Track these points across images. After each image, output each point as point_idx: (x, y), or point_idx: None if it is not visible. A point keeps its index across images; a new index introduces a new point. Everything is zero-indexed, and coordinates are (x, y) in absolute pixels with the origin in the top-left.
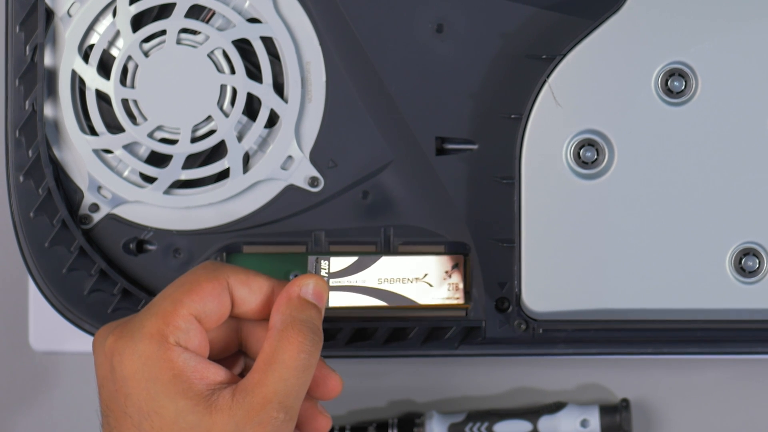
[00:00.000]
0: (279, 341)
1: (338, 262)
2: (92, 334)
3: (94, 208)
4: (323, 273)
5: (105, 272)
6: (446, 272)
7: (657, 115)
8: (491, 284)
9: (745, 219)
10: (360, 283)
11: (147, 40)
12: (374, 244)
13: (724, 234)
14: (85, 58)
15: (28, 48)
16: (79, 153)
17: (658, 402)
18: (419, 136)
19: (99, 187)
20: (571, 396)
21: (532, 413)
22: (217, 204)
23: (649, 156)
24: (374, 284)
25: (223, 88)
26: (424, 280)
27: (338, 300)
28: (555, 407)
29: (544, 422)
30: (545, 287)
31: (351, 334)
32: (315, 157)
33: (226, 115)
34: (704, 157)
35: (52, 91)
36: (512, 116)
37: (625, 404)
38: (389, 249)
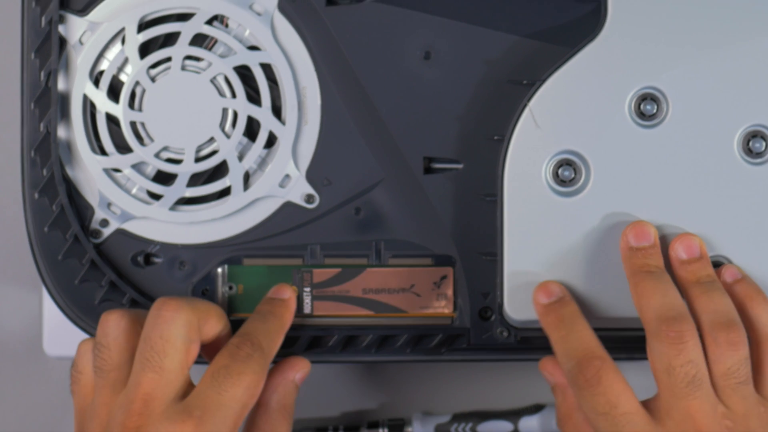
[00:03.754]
0: (276, 420)
1: (322, 274)
2: None
3: (104, 223)
4: (306, 286)
5: (114, 283)
6: (434, 283)
7: (630, 136)
8: (475, 294)
9: (713, 233)
10: (350, 294)
11: (154, 66)
12: (366, 256)
13: None
14: (96, 83)
15: (42, 74)
16: (90, 172)
17: None
18: (408, 155)
19: (109, 204)
20: (550, 398)
21: (513, 414)
22: (219, 219)
23: (624, 175)
24: (361, 294)
25: (224, 111)
26: (412, 290)
27: (330, 309)
28: (534, 408)
29: (524, 422)
30: (525, 297)
31: (343, 340)
32: (311, 176)
33: (228, 136)
34: (674, 175)
35: (65, 114)
36: (495, 137)
37: None
38: (380, 261)
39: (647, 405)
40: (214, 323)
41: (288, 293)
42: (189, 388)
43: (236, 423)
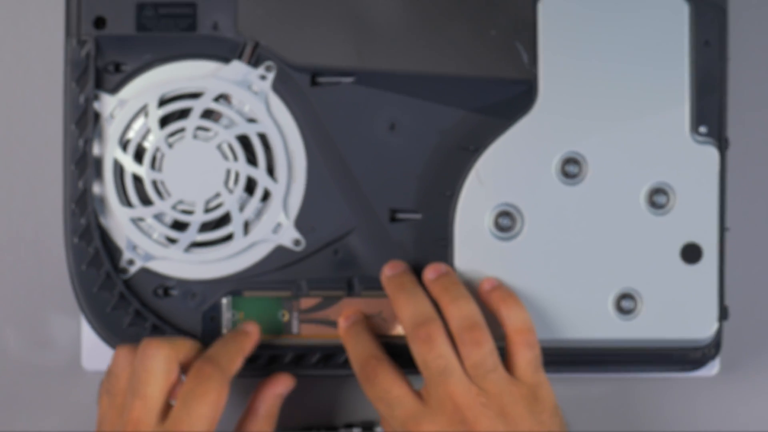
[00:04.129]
0: (262, 425)
1: (307, 302)
2: None
3: (131, 262)
4: (294, 311)
5: (139, 311)
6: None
7: (557, 192)
8: None
9: (623, 270)
10: (330, 318)
11: (171, 135)
12: (343, 289)
13: (607, 282)
14: (124, 148)
15: (80, 141)
16: (120, 221)
17: None
18: (376, 207)
19: (134, 247)
20: None
21: None
22: (224, 259)
23: (552, 223)
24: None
25: (228, 171)
26: (380, 316)
27: (313, 331)
28: None
29: None
30: None
31: (323, 357)
32: (298, 224)
33: (231, 192)
34: (592, 223)
35: (99, 173)
36: (447, 193)
37: None
38: (354, 293)
39: (419, 392)
40: (190, 355)
41: (250, 327)
42: (166, 408)
43: None
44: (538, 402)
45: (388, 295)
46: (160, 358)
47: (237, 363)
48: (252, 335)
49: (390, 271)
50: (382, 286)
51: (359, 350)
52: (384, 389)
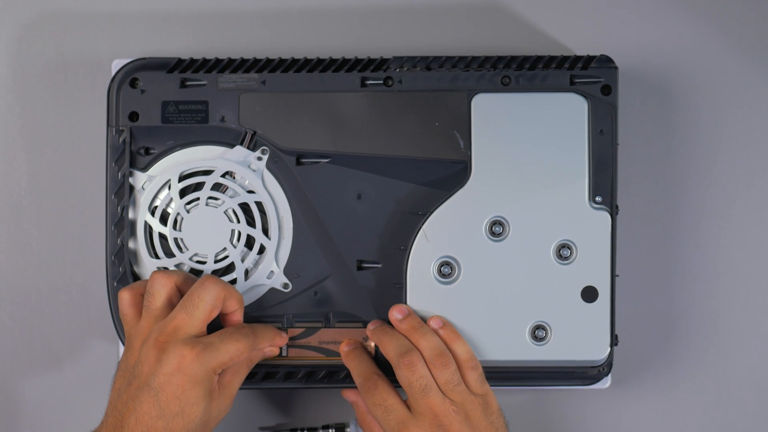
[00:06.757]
0: (241, 365)
1: (293, 332)
2: None
3: None
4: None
5: None
6: (363, 338)
7: (486, 247)
8: None
9: (537, 307)
10: (311, 344)
11: (188, 203)
12: (321, 322)
13: (525, 316)
14: (152, 213)
15: (119, 208)
16: (149, 269)
17: None
18: (347, 259)
19: None
20: None
21: None
22: None
23: (482, 271)
24: (318, 344)
25: (233, 231)
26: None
27: (298, 353)
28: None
29: None
30: None
31: (306, 374)
32: (286, 271)
33: (235, 247)
34: (513, 271)
35: (133, 232)
36: (401, 248)
37: None
38: (330, 325)
39: (406, 403)
40: (233, 303)
41: (284, 335)
42: (202, 334)
43: (219, 366)
44: (489, 407)
45: (374, 341)
46: (213, 293)
47: (266, 342)
48: (284, 337)
49: (373, 326)
50: (369, 335)
51: (363, 368)
52: (382, 398)
